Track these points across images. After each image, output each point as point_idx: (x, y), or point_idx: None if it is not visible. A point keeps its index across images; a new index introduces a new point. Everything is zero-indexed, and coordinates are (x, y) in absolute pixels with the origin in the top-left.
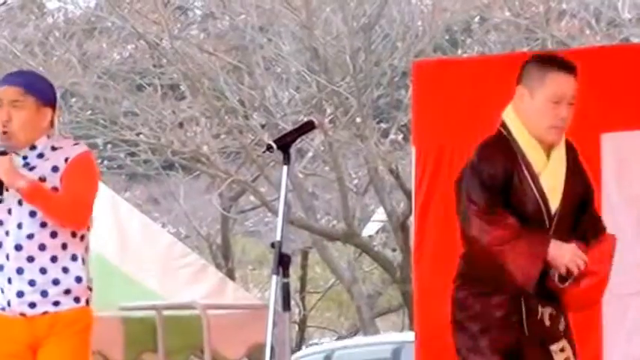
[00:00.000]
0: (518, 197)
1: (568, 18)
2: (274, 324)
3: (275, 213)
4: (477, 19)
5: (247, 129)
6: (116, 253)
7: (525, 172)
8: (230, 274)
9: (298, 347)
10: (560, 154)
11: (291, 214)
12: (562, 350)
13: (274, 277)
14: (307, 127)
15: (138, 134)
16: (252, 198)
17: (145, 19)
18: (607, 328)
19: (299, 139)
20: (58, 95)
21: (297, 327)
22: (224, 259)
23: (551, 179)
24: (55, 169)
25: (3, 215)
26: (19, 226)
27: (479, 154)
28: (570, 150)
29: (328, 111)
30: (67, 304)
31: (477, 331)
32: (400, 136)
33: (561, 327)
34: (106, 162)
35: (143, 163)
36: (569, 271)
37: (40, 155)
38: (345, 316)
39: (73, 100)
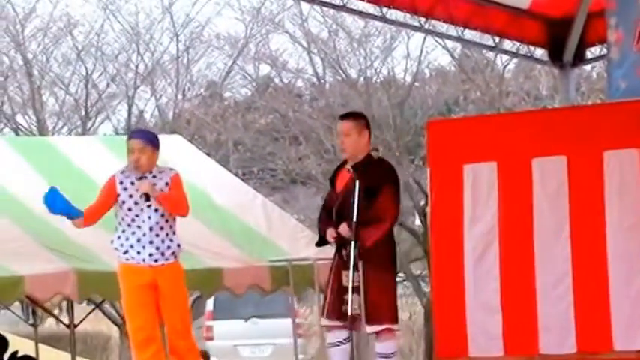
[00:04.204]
0: None
1: (511, 95)
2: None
3: None
4: (461, 97)
5: (337, 160)
6: (266, 231)
7: None
8: None
9: None
10: None
11: None
12: None
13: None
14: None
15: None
16: None
17: None
18: None
19: None
20: None
21: None
22: None
23: None
24: (167, 184)
25: (139, 212)
26: (149, 217)
27: None
28: None
29: (380, 149)
30: (172, 259)
31: None
32: (420, 162)
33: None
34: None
35: (280, 180)
36: None
37: (153, 177)
38: None
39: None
